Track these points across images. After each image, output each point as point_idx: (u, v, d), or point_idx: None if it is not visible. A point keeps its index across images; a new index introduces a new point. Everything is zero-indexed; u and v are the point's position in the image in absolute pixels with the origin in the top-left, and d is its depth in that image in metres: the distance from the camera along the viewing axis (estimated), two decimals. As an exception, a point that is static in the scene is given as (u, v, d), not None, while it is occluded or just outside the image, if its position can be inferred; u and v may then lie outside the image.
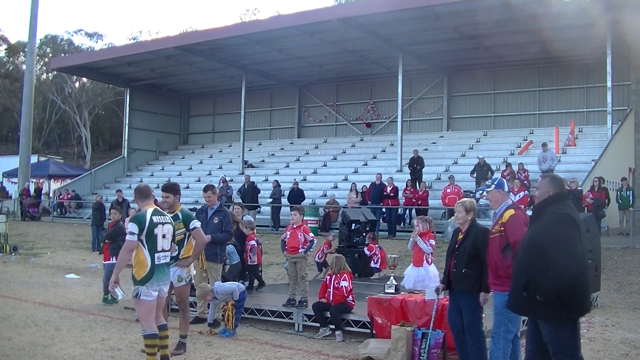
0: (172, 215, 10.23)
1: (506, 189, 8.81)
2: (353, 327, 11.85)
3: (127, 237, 9.33)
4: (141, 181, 41.54)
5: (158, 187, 36.63)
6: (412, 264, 13.55)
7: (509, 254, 8.25)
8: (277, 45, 35.45)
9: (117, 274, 9.26)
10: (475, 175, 28.58)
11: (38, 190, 45.06)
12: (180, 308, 10.88)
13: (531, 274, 7.01)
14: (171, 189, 10.83)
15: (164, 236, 9.43)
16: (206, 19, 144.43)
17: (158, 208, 9.78)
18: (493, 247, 8.46)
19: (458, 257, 8.98)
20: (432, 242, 13.47)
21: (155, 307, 9.34)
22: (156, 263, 9.25)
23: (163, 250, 9.40)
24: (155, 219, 9.37)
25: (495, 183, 8.84)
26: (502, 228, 8.42)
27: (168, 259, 9.58)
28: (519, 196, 24.56)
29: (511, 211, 8.49)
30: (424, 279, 12.66)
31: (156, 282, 9.24)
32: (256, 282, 16.32)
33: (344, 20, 30.68)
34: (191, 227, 10.43)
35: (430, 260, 13.22)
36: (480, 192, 9.52)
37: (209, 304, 12.77)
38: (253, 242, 15.88)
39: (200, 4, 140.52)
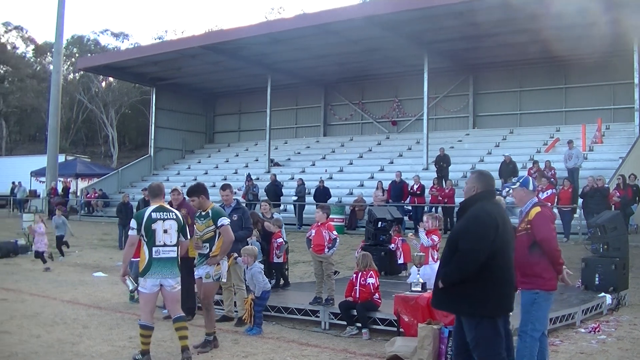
0: (204, 214, 10.66)
1: (531, 187, 8.71)
2: (380, 325, 11.80)
3: (129, 232, 9.95)
4: (167, 180, 41.81)
5: (185, 186, 36.85)
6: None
7: (535, 252, 8.21)
8: (302, 44, 35.43)
9: (125, 267, 10.10)
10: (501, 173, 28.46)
11: (66, 189, 45.39)
12: (204, 306, 10.90)
13: (445, 267, 7.38)
14: (193, 192, 10.95)
15: (165, 231, 9.84)
16: (231, 18, 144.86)
17: (163, 205, 10.19)
18: (520, 245, 8.36)
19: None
20: (435, 237, 13.42)
21: (152, 299, 9.89)
22: (154, 256, 9.72)
23: (165, 245, 9.81)
24: (155, 215, 9.86)
25: (520, 181, 8.81)
26: (528, 226, 8.34)
27: (171, 254, 9.88)
28: (546, 194, 24.39)
29: (537, 208, 8.42)
30: (430, 277, 12.51)
31: (155, 274, 9.71)
32: (282, 281, 16.31)
33: (369, 19, 30.62)
34: (219, 224, 10.52)
35: (436, 257, 13.13)
36: (507, 189, 9.50)
37: (235, 302, 12.82)
38: (281, 240, 15.87)
39: (226, 3, 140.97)
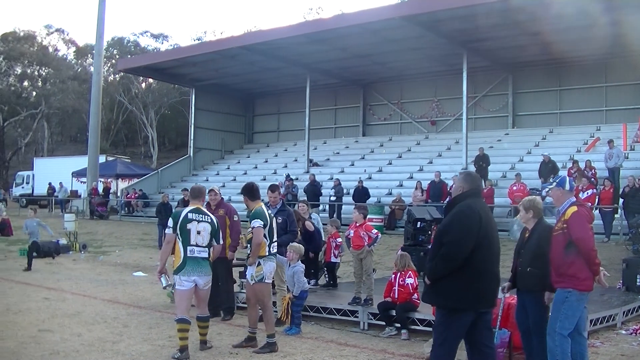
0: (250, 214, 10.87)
1: (567, 187, 8.68)
2: (418, 325, 11.75)
3: (166, 230, 10.56)
4: (207, 180, 42.03)
5: (224, 186, 37.09)
6: None
7: (571, 252, 8.22)
8: (341, 44, 35.37)
9: (162, 265, 10.61)
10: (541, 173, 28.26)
11: (106, 190, 45.77)
12: (261, 308, 10.93)
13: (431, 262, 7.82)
14: (242, 190, 11.26)
15: (198, 232, 10.37)
16: (269, 18, 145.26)
17: (201, 207, 10.77)
18: (556, 245, 8.41)
19: (523, 256, 8.91)
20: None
21: (188, 296, 10.36)
22: (189, 255, 10.25)
23: (197, 245, 10.33)
24: (191, 215, 10.42)
25: (557, 181, 8.78)
26: (564, 225, 8.35)
27: (204, 254, 10.39)
28: (587, 194, 24.18)
29: (574, 208, 8.41)
30: None
31: (189, 273, 10.23)
32: (323, 280, 16.30)
33: (407, 18, 30.48)
34: (251, 225, 10.66)
35: None
36: (546, 190, 9.45)
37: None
38: (340, 240, 15.88)
39: (264, 3, 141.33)
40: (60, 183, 49.83)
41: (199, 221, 10.41)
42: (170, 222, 10.42)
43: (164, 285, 10.83)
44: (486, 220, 7.68)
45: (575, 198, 8.80)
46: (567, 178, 8.93)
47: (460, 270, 7.45)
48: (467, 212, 7.63)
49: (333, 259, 15.79)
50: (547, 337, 8.36)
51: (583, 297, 8.30)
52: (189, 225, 10.32)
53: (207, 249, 10.46)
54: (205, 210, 10.88)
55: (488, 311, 7.90)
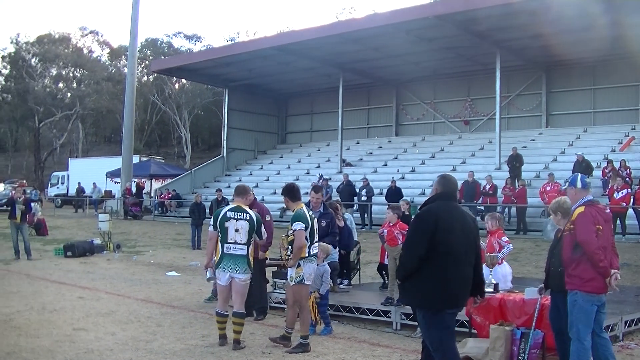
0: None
1: (579, 185, 8.57)
2: (451, 326, 11.71)
3: (209, 228, 11.12)
4: (240, 180, 42.10)
5: (257, 186, 37.20)
6: (484, 264, 13.33)
7: (577, 253, 8.19)
8: (374, 44, 35.36)
9: (208, 259, 11.13)
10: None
11: (140, 190, 46.02)
12: (299, 308, 10.90)
13: None
14: (283, 191, 11.27)
15: (237, 230, 10.76)
16: (302, 19, 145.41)
17: (242, 205, 11.07)
18: (565, 246, 8.41)
19: (555, 256, 8.83)
20: (505, 238, 12.82)
21: (224, 290, 10.90)
22: (225, 252, 10.73)
23: (235, 242, 10.75)
24: (230, 214, 10.85)
25: (569, 180, 8.74)
26: (572, 226, 8.31)
27: (241, 252, 10.77)
28: (622, 194, 24.03)
29: (581, 209, 8.33)
30: (499, 279, 12.20)
31: (224, 268, 10.73)
32: (356, 280, 16.25)
33: (440, 18, 30.41)
34: (292, 228, 10.67)
35: (501, 260, 12.78)
36: (563, 189, 9.48)
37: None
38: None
39: (297, 3, 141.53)
40: (94, 183, 50.20)
41: (237, 219, 10.78)
42: (212, 220, 10.98)
43: (207, 277, 11.33)
44: (447, 223, 7.57)
45: (590, 197, 8.70)
46: (579, 175, 8.80)
47: (425, 271, 7.47)
48: (423, 217, 7.74)
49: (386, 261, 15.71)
50: (571, 342, 8.33)
51: (592, 298, 8.19)
52: (227, 224, 10.73)
53: (245, 246, 10.79)
54: (245, 208, 11.10)
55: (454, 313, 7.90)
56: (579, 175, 8.86)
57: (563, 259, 8.41)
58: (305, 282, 10.74)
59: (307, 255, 10.67)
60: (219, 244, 10.77)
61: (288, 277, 10.89)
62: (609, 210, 9.48)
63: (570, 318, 8.28)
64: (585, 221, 8.18)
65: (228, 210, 10.91)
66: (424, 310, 7.65)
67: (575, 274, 8.17)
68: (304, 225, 10.59)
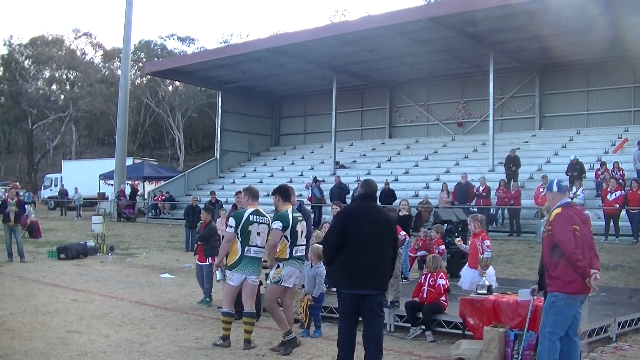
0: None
1: (555, 189, 8.75)
2: (445, 327, 11.73)
3: (227, 229, 11.18)
4: (233, 182, 42.20)
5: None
6: (467, 265, 13.47)
7: (556, 254, 8.27)
8: (367, 46, 35.33)
9: (220, 259, 11.41)
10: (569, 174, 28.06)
11: (133, 192, 45.90)
12: (267, 308, 11.28)
13: None
14: (276, 191, 11.48)
15: (258, 234, 10.94)
16: (296, 21, 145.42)
17: (259, 209, 11.22)
18: (544, 247, 8.54)
19: (548, 258, 8.88)
20: (488, 242, 12.96)
21: (235, 291, 11.03)
22: (246, 254, 10.86)
23: (256, 246, 10.94)
24: (252, 217, 10.95)
25: (546, 185, 8.95)
26: (549, 227, 8.42)
27: (260, 255, 11.06)
28: (615, 195, 24.06)
29: (558, 210, 8.48)
30: (481, 280, 12.28)
31: (242, 270, 10.87)
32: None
33: (434, 20, 30.38)
34: (271, 226, 10.95)
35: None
36: (542, 194, 9.68)
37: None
38: (443, 247, 15.80)
39: (290, 5, 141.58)
40: (76, 188, 49.48)
41: (259, 223, 11.01)
42: (232, 222, 10.95)
43: (218, 278, 11.74)
44: (358, 219, 8.85)
45: (568, 198, 8.90)
46: (556, 179, 8.98)
47: (339, 257, 8.82)
48: (339, 214, 9.58)
49: None
50: (540, 341, 8.40)
51: (572, 300, 8.26)
52: (250, 227, 10.89)
53: (263, 249, 11.08)
54: (263, 212, 11.29)
55: (372, 297, 8.77)
56: (556, 179, 9.03)
57: (544, 261, 8.51)
58: (283, 284, 10.82)
59: (287, 257, 10.80)
60: (238, 246, 10.87)
61: (269, 277, 11.06)
62: (587, 212, 9.65)
63: (545, 319, 8.36)
64: (562, 222, 8.28)
65: (250, 214, 10.98)
66: (336, 290, 9.27)
67: (555, 275, 8.24)
68: (281, 225, 10.74)
